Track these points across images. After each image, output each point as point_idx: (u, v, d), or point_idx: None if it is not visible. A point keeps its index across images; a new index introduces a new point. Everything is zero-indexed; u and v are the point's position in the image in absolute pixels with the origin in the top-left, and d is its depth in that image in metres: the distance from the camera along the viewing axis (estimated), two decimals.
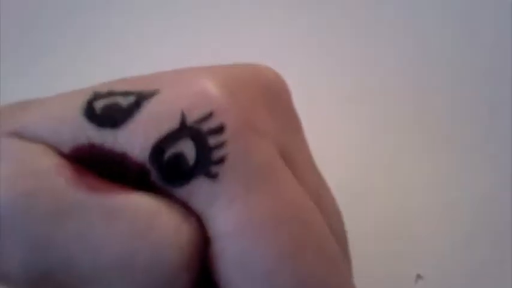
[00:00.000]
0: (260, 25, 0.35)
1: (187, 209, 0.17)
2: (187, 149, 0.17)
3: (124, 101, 0.17)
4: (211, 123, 0.17)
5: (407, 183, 0.31)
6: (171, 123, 0.17)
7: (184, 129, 0.17)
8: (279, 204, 0.17)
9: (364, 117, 0.32)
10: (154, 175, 0.17)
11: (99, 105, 0.17)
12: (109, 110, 0.17)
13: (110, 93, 0.18)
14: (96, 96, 0.18)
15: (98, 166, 0.17)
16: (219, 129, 0.17)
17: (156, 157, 0.17)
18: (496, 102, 0.32)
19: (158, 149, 0.17)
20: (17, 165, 0.16)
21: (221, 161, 0.17)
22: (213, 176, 0.17)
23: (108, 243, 0.16)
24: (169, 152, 0.17)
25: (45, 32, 0.36)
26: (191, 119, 0.17)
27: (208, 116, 0.17)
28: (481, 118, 0.32)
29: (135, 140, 0.17)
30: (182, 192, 0.17)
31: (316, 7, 0.35)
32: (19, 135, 0.17)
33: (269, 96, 0.19)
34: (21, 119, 0.18)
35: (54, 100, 0.18)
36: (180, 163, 0.17)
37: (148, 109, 0.17)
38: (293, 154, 0.19)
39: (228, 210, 0.17)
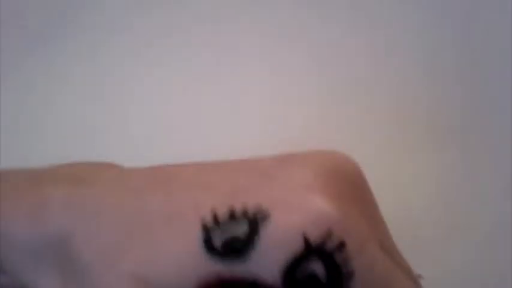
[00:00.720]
0: (259, 21, 0.35)
1: None
2: (317, 268, 0.17)
3: (239, 231, 0.18)
4: (333, 242, 0.18)
5: (407, 184, 0.31)
6: (295, 246, 0.17)
7: (310, 251, 0.17)
8: None
9: (363, 117, 0.32)
10: None
11: (216, 239, 0.18)
12: (229, 243, 0.18)
13: (219, 224, 0.18)
14: (208, 229, 0.18)
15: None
16: (342, 247, 0.18)
17: (288, 280, 0.17)
18: (496, 102, 0.33)
19: (289, 272, 0.17)
20: None
21: (351, 275, 0.17)
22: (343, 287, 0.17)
23: None
24: (301, 274, 0.17)
25: (45, 33, 0.36)
26: (314, 239, 0.17)
27: (329, 235, 0.17)
28: (482, 118, 0.32)
29: (263, 266, 0.17)
30: None
31: (316, 6, 0.35)
32: (137, 276, 0.18)
33: (357, 191, 0.19)
34: (136, 257, 0.18)
35: (164, 236, 0.18)
36: (313, 282, 0.17)
37: (268, 236, 0.18)
38: (386, 245, 0.19)
39: None
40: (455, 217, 0.30)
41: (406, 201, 0.31)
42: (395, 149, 0.32)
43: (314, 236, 0.17)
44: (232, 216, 0.18)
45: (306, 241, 0.17)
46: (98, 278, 0.18)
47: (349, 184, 0.19)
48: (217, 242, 0.18)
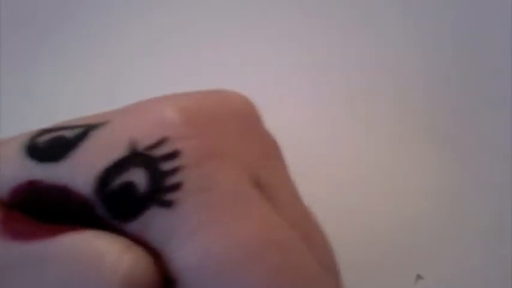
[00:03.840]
0: (261, 25, 0.35)
1: (141, 246, 0.15)
2: (137, 177, 0.15)
3: (70, 133, 0.16)
4: (165, 149, 0.15)
5: (407, 184, 0.31)
6: (119, 152, 0.15)
7: (134, 157, 0.15)
8: (246, 235, 0.15)
9: (363, 120, 0.32)
10: (100, 209, 0.15)
11: (42, 140, 0.16)
12: (52, 144, 0.16)
13: (58, 128, 0.16)
14: (43, 131, 0.16)
15: (42, 205, 0.16)
16: (173, 155, 0.15)
17: (100, 188, 0.15)
18: (497, 102, 0.33)
19: (103, 179, 0.15)
20: None
21: (176, 187, 0.15)
22: (167, 205, 0.15)
23: None
24: (116, 182, 0.15)
25: (46, 34, 0.36)
26: (142, 146, 0.15)
27: (161, 142, 0.15)
28: (481, 122, 0.32)
29: (78, 171, 0.15)
30: (134, 226, 0.15)
31: (317, 7, 0.35)
32: None
33: (239, 123, 0.17)
34: None
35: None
36: (129, 193, 0.15)
37: (96, 139, 0.15)
38: (270, 182, 0.17)
39: (189, 243, 0.15)
40: (455, 217, 0.30)
41: (405, 201, 0.31)
42: (394, 149, 0.32)
43: (145, 143, 0.15)
44: (74, 126, 0.16)
45: (132, 146, 0.15)
46: None
47: (227, 115, 0.17)
48: (41, 143, 0.16)
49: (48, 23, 0.36)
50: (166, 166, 0.15)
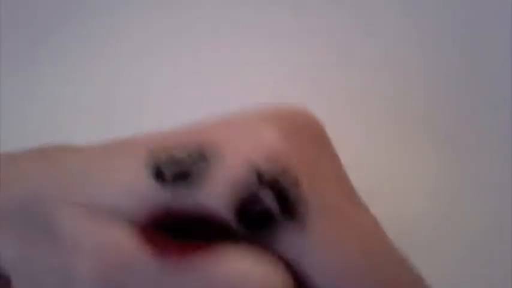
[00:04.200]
0: (261, 25, 0.35)
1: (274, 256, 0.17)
2: (268, 200, 0.17)
3: (190, 160, 0.17)
4: (286, 174, 0.17)
5: (407, 184, 0.31)
6: (246, 177, 0.17)
7: (261, 182, 0.17)
8: (367, 239, 0.18)
9: (364, 122, 0.32)
10: (239, 228, 0.17)
11: (166, 166, 0.18)
12: (179, 171, 0.17)
13: (169, 153, 0.18)
14: (160, 157, 0.18)
15: (179, 224, 0.17)
16: (294, 179, 0.17)
17: (238, 211, 0.17)
18: (496, 102, 0.33)
19: (239, 203, 0.17)
20: (95, 243, 0.17)
21: (303, 207, 0.17)
22: (298, 221, 0.17)
23: None
24: (251, 205, 0.17)
25: (46, 34, 0.36)
26: (265, 170, 0.17)
27: (281, 166, 0.17)
28: (481, 122, 0.32)
29: (212, 197, 0.17)
30: (269, 242, 0.17)
31: (317, 7, 0.35)
32: (91, 208, 0.18)
33: (316, 141, 0.19)
34: (89, 190, 0.18)
35: (115, 164, 0.18)
36: (264, 214, 0.17)
37: (219, 165, 0.17)
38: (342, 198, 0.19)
39: (320, 255, 0.17)
40: (455, 217, 0.30)
41: (405, 201, 0.31)
42: (395, 149, 0.32)
43: (266, 167, 0.17)
44: (183, 147, 0.18)
45: (257, 171, 0.17)
46: (53, 215, 0.18)
47: (309, 134, 0.19)
48: (167, 170, 0.17)
49: (48, 23, 0.36)
50: (291, 189, 0.17)
